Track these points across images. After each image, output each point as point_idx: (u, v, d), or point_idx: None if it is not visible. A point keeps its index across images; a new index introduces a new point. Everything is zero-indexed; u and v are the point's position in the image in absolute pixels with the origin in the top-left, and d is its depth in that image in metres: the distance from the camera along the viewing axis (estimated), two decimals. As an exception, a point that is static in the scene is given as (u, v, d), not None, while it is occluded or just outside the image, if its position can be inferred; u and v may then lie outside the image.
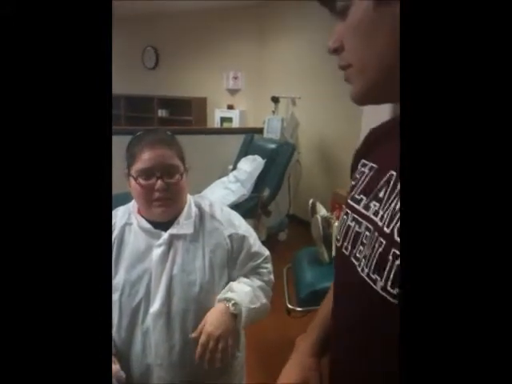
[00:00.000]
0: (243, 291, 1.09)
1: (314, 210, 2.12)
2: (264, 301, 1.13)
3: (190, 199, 1.14)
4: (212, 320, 1.01)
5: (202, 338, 0.98)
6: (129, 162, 1.06)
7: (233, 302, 1.04)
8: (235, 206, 3.22)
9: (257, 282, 1.14)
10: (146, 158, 1.02)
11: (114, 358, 1.02)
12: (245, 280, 1.13)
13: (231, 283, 1.11)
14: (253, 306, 1.08)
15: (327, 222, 2.03)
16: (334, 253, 1.58)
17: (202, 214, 1.12)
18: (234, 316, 1.04)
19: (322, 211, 2.11)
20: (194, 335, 1.00)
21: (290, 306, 1.84)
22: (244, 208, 3.34)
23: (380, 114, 1.34)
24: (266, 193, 3.60)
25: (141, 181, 1.02)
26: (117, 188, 1.35)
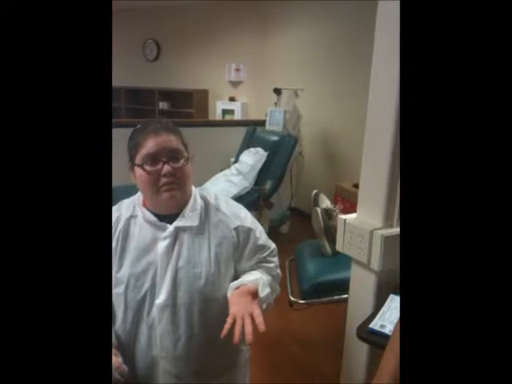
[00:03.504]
0: (251, 278, 1.08)
1: (316, 202, 2.11)
2: (269, 295, 1.10)
3: (195, 192, 1.13)
4: (235, 303, 0.97)
5: (229, 319, 0.92)
6: (132, 153, 1.05)
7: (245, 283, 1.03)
8: (237, 199, 3.22)
9: (265, 277, 1.13)
10: (151, 144, 1.01)
11: (116, 352, 1.02)
12: (254, 272, 1.12)
13: (242, 278, 1.09)
14: (262, 296, 1.05)
15: (328, 214, 2.03)
16: (337, 246, 1.57)
17: (207, 207, 1.12)
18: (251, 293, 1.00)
19: (324, 203, 2.11)
20: (223, 335, 0.91)
21: (292, 298, 1.84)
22: (246, 200, 3.33)
23: (385, 106, 1.33)
24: (268, 185, 3.59)
25: (147, 167, 1.02)
26: (117, 180, 1.35)
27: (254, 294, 1.00)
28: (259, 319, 0.91)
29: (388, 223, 1.41)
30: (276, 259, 1.19)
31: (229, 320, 0.92)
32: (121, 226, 1.08)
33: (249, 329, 0.89)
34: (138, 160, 1.03)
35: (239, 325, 0.89)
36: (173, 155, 1.03)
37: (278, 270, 1.19)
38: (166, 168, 1.01)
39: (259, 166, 3.62)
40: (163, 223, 1.06)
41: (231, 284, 1.06)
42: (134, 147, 1.05)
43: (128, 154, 1.07)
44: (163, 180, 1.02)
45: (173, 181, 1.02)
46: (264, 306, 1.05)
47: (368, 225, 1.43)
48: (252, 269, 1.14)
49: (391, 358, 0.88)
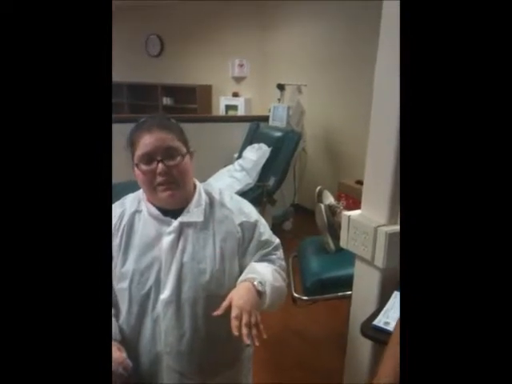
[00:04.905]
0: (265, 270, 1.08)
1: (320, 198, 2.10)
2: (283, 283, 1.12)
3: (200, 187, 1.13)
4: (240, 295, 0.97)
5: (235, 311, 0.92)
6: (131, 151, 1.05)
7: (258, 280, 1.01)
8: (240, 195, 3.21)
9: (272, 267, 1.13)
10: (145, 142, 1.01)
11: (121, 347, 1.02)
12: (264, 263, 1.12)
13: (252, 263, 1.09)
14: (276, 285, 1.07)
15: (332, 211, 2.02)
16: (341, 243, 1.56)
17: (212, 202, 1.11)
18: (259, 294, 1.00)
19: (328, 199, 2.10)
20: (218, 312, 0.94)
21: (295, 294, 1.83)
22: (249, 197, 3.33)
23: (390, 102, 1.32)
24: (272, 181, 3.58)
25: (142, 166, 1.01)
26: (121, 176, 1.35)
27: (259, 292, 1.01)
28: (260, 327, 0.92)
29: (392, 220, 1.40)
30: (279, 252, 1.19)
31: (234, 314, 0.92)
32: (125, 220, 1.08)
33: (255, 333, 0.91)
34: (135, 159, 1.03)
35: (246, 326, 0.90)
36: (168, 153, 1.02)
37: (282, 262, 1.19)
38: (161, 167, 1.00)
39: (262, 161, 3.61)
40: (168, 218, 1.06)
41: (241, 277, 1.06)
42: (131, 146, 1.05)
43: (129, 151, 1.07)
44: (159, 179, 1.01)
45: (169, 179, 1.02)
46: (267, 303, 1.04)
47: (372, 221, 1.42)
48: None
49: (393, 355, 0.88)
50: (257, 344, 0.90)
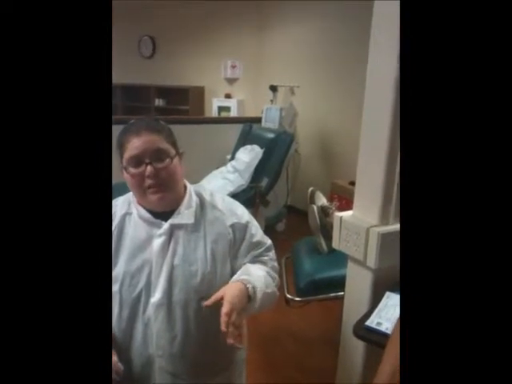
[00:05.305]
0: (258, 275, 1.07)
1: (312, 199, 2.11)
2: (274, 289, 1.13)
3: (191, 189, 1.12)
4: (233, 293, 0.96)
5: (227, 307, 0.92)
6: (119, 153, 1.04)
7: (251, 285, 1.01)
8: (233, 196, 3.20)
9: (265, 269, 1.13)
10: (133, 145, 1.00)
11: (112, 350, 1.01)
12: (257, 265, 1.12)
13: (247, 265, 1.09)
14: (268, 291, 1.07)
15: (324, 212, 2.03)
16: (333, 243, 1.57)
17: (202, 204, 1.11)
18: (249, 298, 1.01)
19: (321, 200, 2.10)
20: (207, 303, 0.95)
21: (288, 295, 1.84)
22: (242, 198, 3.32)
23: (381, 103, 1.33)
24: (265, 183, 3.58)
25: (131, 169, 1.01)
26: (114, 178, 1.34)
27: (249, 297, 1.01)
28: (242, 331, 0.93)
29: (384, 221, 1.41)
30: (271, 253, 1.19)
31: (225, 310, 0.92)
32: (116, 222, 1.07)
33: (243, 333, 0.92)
34: (123, 162, 1.02)
35: (233, 325, 0.91)
36: (156, 155, 1.01)
37: (275, 263, 1.18)
38: (149, 169, 0.99)
39: (255, 163, 3.61)
40: (158, 220, 1.06)
41: (234, 277, 1.06)
42: (119, 148, 1.04)
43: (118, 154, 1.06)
44: (148, 182, 1.01)
45: (158, 182, 1.01)
46: (256, 307, 1.04)
47: (364, 222, 1.42)
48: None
49: (392, 356, 0.88)
50: (240, 346, 0.91)
